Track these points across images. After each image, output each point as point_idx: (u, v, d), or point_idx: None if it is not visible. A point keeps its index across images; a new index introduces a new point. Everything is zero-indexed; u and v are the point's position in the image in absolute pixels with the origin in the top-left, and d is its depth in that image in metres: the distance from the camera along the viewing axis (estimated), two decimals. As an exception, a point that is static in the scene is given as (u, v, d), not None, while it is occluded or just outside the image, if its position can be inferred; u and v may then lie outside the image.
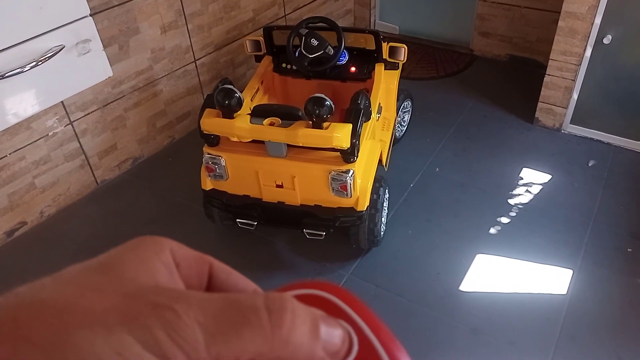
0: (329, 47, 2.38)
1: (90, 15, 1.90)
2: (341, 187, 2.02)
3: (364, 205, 2.10)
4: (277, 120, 1.93)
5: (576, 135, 3.12)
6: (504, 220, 2.55)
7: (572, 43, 2.86)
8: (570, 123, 3.12)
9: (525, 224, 2.53)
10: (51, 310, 0.20)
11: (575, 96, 3.02)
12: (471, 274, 2.28)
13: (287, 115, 1.93)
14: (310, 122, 1.87)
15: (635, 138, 2.96)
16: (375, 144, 2.29)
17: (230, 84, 2.02)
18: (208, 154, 2.10)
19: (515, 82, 3.65)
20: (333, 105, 1.85)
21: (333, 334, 0.25)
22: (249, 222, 2.21)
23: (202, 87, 3.25)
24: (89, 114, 2.66)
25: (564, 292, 2.19)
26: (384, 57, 2.48)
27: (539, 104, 3.15)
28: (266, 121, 1.92)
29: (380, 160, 2.36)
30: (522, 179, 2.81)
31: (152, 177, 2.93)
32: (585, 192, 2.71)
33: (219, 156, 2.09)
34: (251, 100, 2.41)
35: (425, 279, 2.27)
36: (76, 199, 2.75)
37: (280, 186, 2.11)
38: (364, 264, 2.36)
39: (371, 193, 2.13)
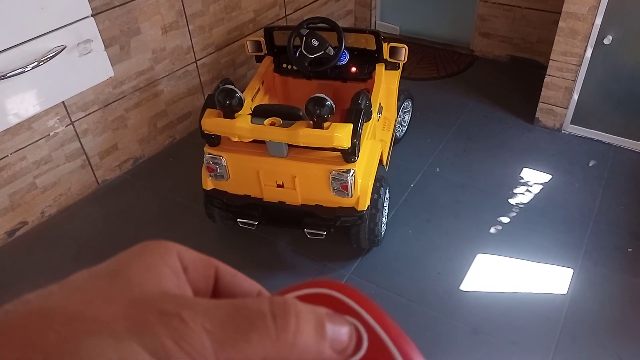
0: (330, 47, 2.38)
1: (92, 15, 1.91)
2: (342, 186, 2.02)
3: (364, 205, 2.10)
4: (278, 120, 1.93)
5: (577, 136, 3.12)
6: (505, 220, 2.55)
7: (572, 43, 2.87)
8: (570, 123, 3.12)
9: (525, 223, 2.53)
10: (60, 318, 0.20)
11: (575, 96, 3.02)
12: (471, 273, 2.28)
13: (287, 115, 1.94)
14: (311, 122, 1.87)
15: (635, 138, 2.96)
16: (375, 144, 2.30)
17: (231, 84, 2.02)
18: (209, 154, 2.11)
19: (516, 82, 3.65)
20: (334, 106, 1.85)
21: (340, 331, 0.25)
22: (250, 222, 2.22)
23: (202, 87, 3.26)
24: (90, 114, 2.66)
25: (565, 291, 2.20)
26: (384, 57, 2.48)
27: (540, 105, 3.15)
28: (267, 121, 1.93)
29: (380, 160, 2.36)
30: (522, 179, 2.81)
31: (153, 177, 2.93)
32: (585, 192, 2.71)
33: (220, 156, 2.09)
34: (252, 100, 2.41)
35: (426, 278, 2.27)
36: (77, 199, 2.76)
37: (281, 186, 2.11)
38: (365, 263, 2.36)
39: (372, 193, 2.13)
